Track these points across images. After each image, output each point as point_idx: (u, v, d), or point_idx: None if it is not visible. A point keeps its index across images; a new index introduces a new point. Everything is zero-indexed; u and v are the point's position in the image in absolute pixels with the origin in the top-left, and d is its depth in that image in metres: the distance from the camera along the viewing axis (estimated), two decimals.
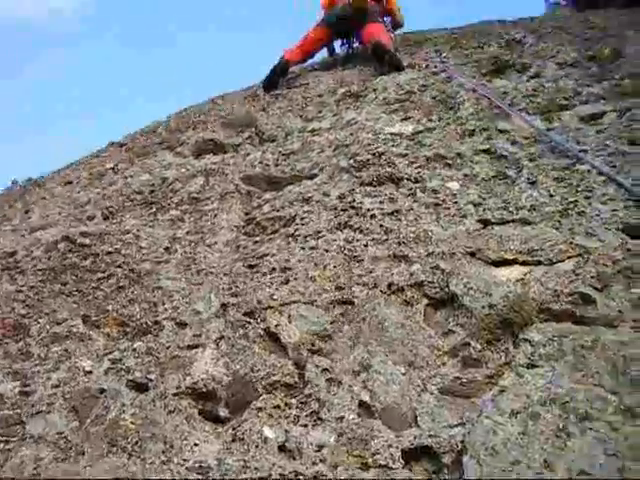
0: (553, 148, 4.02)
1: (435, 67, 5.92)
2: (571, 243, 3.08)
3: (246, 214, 3.99)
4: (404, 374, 2.57)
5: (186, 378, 2.70)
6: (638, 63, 5.06)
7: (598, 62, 5.29)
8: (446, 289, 2.91)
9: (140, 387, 2.76)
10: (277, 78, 6.62)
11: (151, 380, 2.76)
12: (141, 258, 3.71)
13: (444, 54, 6.36)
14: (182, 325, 3.04)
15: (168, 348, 2.92)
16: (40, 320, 3.34)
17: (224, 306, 3.07)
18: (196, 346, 2.87)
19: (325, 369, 2.65)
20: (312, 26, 7.13)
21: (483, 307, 2.77)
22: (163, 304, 3.23)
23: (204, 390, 2.64)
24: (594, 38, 5.86)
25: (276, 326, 2.87)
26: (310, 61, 7.35)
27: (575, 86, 4.85)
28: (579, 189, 3.54)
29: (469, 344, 2.67)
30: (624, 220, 3.23)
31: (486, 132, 4.36)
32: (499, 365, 2.58)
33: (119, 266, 3.67)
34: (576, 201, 3.42)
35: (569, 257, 3.01)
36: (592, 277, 2.85)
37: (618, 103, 4.47)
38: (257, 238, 3.67)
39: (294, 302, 2.98)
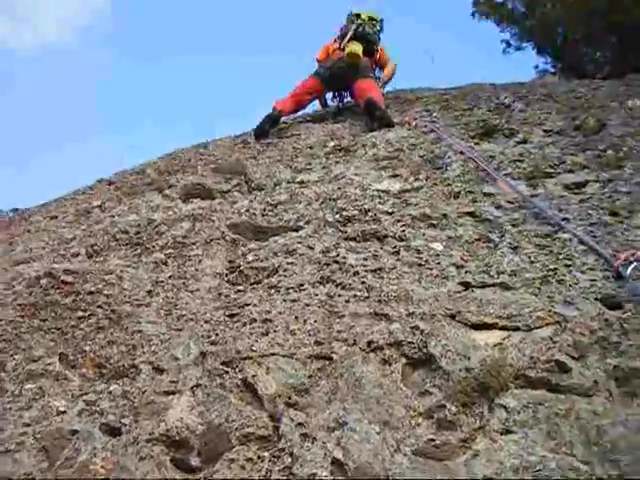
0: (536, 214, 4.09)
1: (425, 127, 6.03)
2: (550, 311, 3.13)
3: (230, 262, 4.01)
4: (378, 433, 2.58)
5: (160, 425, 2.69)
6: (621, 135, 5.19)
7: (583, 132, 5.42)
8: (425, 350, 2.93)
9: (113, 431, 2.75)
10: (268, 127, 6.71)
11: (125, 424, 2.76)
12: (123, 300, 3.72)
13: (434, 114, 6.48)
14: (159, 370, 3.03)
15: (144, 393, 2.91)
16: (16, 356, 3.32)
17: (203, 354, 3.07)
18: (172, 393, 2.87)
19: (300, 423, 2.65)
20: (305, 77, 7.25)
21: (460, 370, 2.80)
22: (142, 348, 3.23)
23: (177, 438, 2.64)
24: (580, 108, 6.00)
25: (253, 377, 2.87)
26: (302, 112, 7.47)
27: (560, 154, 4.96)
28: (560, 257, 3.60)
29: (445, 406, 2.69)
30: (602, 290, 3.29)
31: (472, 195, 4.44)
32: (473, 429, 2.60)
33: (100, 306, 3.67)
34: (556, 269, 3.48)
35: (547, 324, 3.05)
36: (569, 346, 2.89)
37: (601, 173, 4.58)
38: (240, 287, 3.69)
39: (273, 354, 2.98)
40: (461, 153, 5.14)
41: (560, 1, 10.48)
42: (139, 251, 4.34)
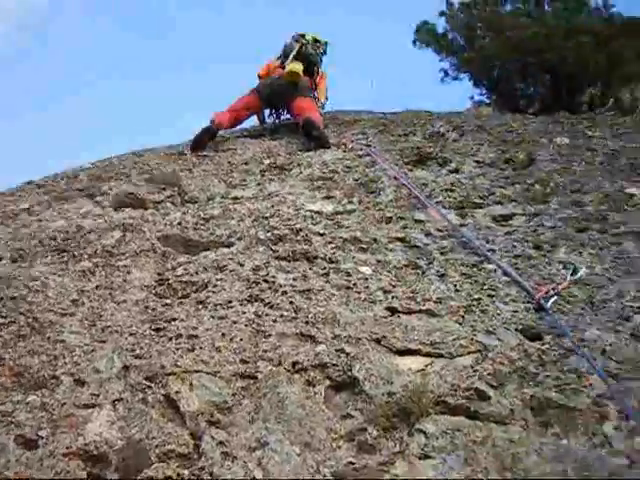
0: (464, 244, 4.19)
1: (360, 150, 6.11)
2: (472, 339, 3.21)
3: (159, 275, 3.97)
4: (299, 454, 2.59)
5: (78, 438, 2.65)
6: (548, 171, 5.36)
7: (513, 165, 5.58)
8: (349, 373, 2.96)
9: (29, 444, 2.68)
10: (205, 140, 6.68)
11: (42, 437, 2.70)
12: (46, 308, 3.63)
13: (370, 138, 6.56)
14: (81, 383, 2.98)
15: (63, 405, 2.85)
16: None
17: (126, 367, 3.03)
18: (93, 406, 2.82)
19: (221, 442, 2.64)
20: (245, 92, 7.26)
21: (383, 394, 2.84)
22: (64, 358, 3.16)
23: (95, 453, 2.59)
24: (511, 142, 6.18)
25: (176, 393, 2.86)
26: (240, 126, 7.46)
27: (490, 186, 5.10)
28: (484, 287, 3.70)
29: (366, 430, 2.72)
30: (523, 322, 3.39)
31: (403, 221, 4.52)
32: (393, 453, 2.64)
33: (22, 313, 3.58)
34: (480, 298, 3.57)
35: (469, 353, 3.12)
36: (489, 374, 2.97)
37: (527, 207, 4.72)
38: (167, 301, 3.65)
39: (197, 371, 2.97)
40: (395, 179, 5.23)
41: (497, 36, 10.77)
42: (66, 258, 4.25)
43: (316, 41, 7.56)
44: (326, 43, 7.70)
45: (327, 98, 7.74)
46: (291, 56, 7.20)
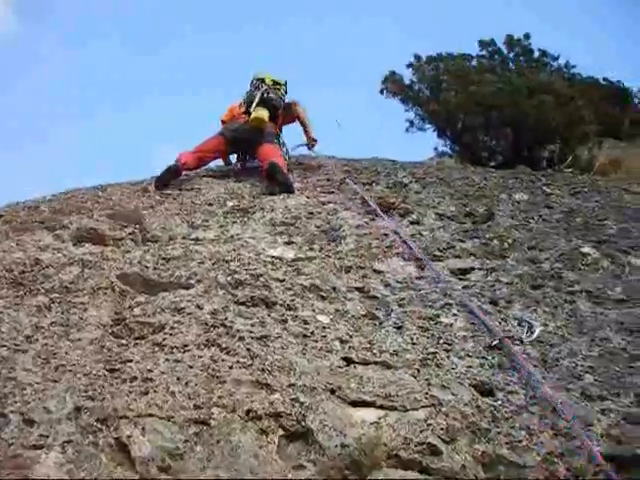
0: (422, 296, 4.24)
1: (324, 196, 6.17)
2: (426, 393, 3.24)
3: (116, 314, 3.93)
4: None
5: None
6: (507, 227, 5.47)
7: (473, 219, 5.68)
8: (303, 423, 2.96)
9: None
10: (170, 178, 6.68)
11: None
12: None
13: (348, 180, 6.62)
14: (30, 422, 2.91)
15: (11, 445, 2.78)
16: None
17: (78, 408, 2.97)
18: (41, 447, 2.76)
19: None
20: (211, 135, 7.31)
21: (336, 446, 2.84)
22: (14, 396, 3.09)
23: None
24: (472, 195, 6.30)
25: (128, 437, 2.81)
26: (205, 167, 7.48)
27: (449, 239, 5.18)
28: (440, 341, 3.74)
29: None
30: (477, 377, 3.44)
31: (362, 270, 4.56)
32: None
33: None
34: (436, 352, 3.61)
35: (423, 406, 3.15)
36: (442, 429, 3.00)
37: (485, 262, 4.80)
38: (123, 341, 3.62)
39: (150, 415, 2.93)
40: (363, 225, 5.30)
41: (462, 90, 11.02)
42: (22, 292, 4.19)
43: (275, 83, 7.66)
44: (286, 83, 7.81)
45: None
46: (254, 104, 7.27)
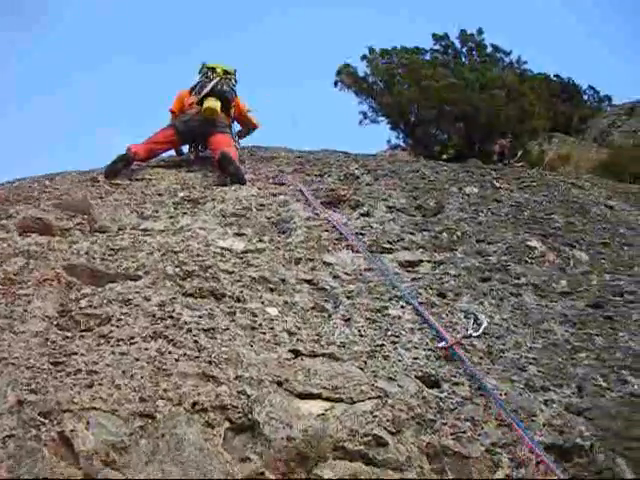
0: (371, 289, 4.26)
1: (275, 187, 6.15)
2: (373, 385, 3.26)
3: (62, 305, 3.87)
4: None
5: None
6: (456, 219, 5.52)
7: (423, 212, 5.73)
8: (249, 415, 2.96)
9: None
10: (119, 168, 6.58)
11: None
12: None
13: (288, 176, 6.61)
14: None
15: None
16: None
17: (20, 402, 2.92)
18: None
19: None
20: (162, 127, 7.23)
21: (282, 438, 2.85)
22: None
23: None
24: (423, 188, 6.34)
25: (71, 431, 2.78)
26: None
27: (399, 231, 5.21)
28: (388, 333, 3.77)
29: (264, 474, 2.73)
30: (423, 369, 3.47)
31: (312, 262, 4.56)
32: None
33: None
34: (383, 345, 3.64)
35: (369, 398, 3.18)
36: (388, 420, 3.03)
37: (434, 255, 4.84)
38: (69, 334, 3.56)
39: (94, 408, 2.90)
40: (314, 217, 5.30)
41: (415, 84, 11.08)
42: None
43: (227, 73, 7.61)
44: (235, 71, 7.77)
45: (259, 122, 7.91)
46: (204, 92, 7.22)
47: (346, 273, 4.46)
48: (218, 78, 7.42)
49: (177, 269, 4.26)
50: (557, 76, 16.46)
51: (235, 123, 7.75)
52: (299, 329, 3.72)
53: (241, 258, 4.54)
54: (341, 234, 5.03)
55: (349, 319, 3.89)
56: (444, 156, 11.31)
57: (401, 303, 4.11)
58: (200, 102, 7.20)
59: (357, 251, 4.77)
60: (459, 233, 5.26)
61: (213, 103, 7.09)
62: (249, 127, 7.94)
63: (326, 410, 3.05)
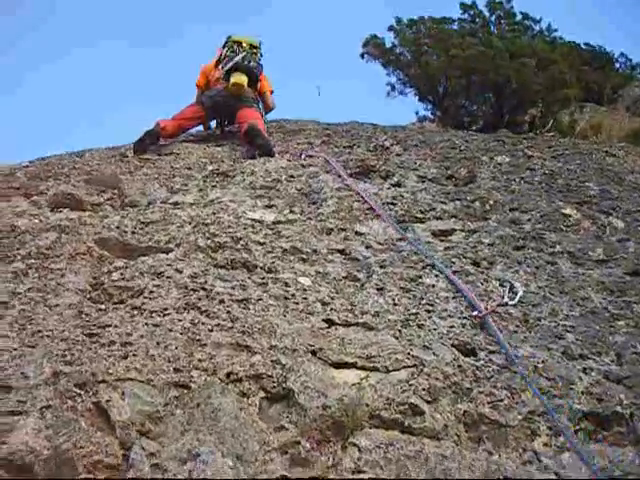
0: (403, 258, 4.21)
1: (304, 159, 6.11)
2: (408, 354, 3.23)
3: (94, 279, 3.88)
4: (232, 468, 2.57)
5: (2, 447, 2.55)
6: (488, 189, 5.44)
7: (454, 181, 5.65)
8: (284, 385, 2.94)
9: None
10: (148, 143, 6.59)
11: None
12: None
13: (316, 148, 6.57)
14: (7, 388, 2.86)
15: None
16: None
17: (56, 374, 2.93)
18: (19, 413, 2.71)
19: (152, 453, 2.60)
20: (189, 103, 7.23)
21: (317, 407, 2.83)
22: None
23: (20, 462, 2.50)
24: (454, 158, 6.25)
25: (107, 402, 2.78)
26: None
27: (431, 201, 5.15)
28: (422, 302, 3.73)
29: (299, 442, 2.72)
30: (459, 337, 3.43)
31: (344, 232, 4.52)
32: (326, 467, 2.64)
33: None
34: (418, 313, 3.60)
35: (404, 367, 3.14)
36: (423, 389, 3.00)
37: (467, 223, 4.78)
38: (102, 306, 3.57)
39: (130, 379, 2.90)
40: (344, 188, 5.25)
41: (444, 54, 10.94)
42: None
43: (252, 47, 7.56)
44: (261, 44, 7.72)
45: (273, 91, 7.80)
46: (229, 66, 7.17)
47: (378, 242, 4.42)
48: (244, 53, 7.37)
49: (208, 241, 4.25)
50: (587, 44, 16.13)
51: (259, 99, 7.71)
52: (332, 299, 3.69)
53: (272, 229, 4.51)
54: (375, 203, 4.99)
55: (382, 288, 3.85)
56: (473, 127, 11.18)
57: (435, 272, 4.06)
58: (226, 77, 7.17)
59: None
60: (492, 202, 5.18)
61: (240, 78, 7.06)
62: (265, 107, 7.89)
63: (361, 379, 3.03)
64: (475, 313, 3.60)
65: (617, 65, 17.66)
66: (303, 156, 6.24)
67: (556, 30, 12.88)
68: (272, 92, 7.80)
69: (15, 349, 3.14)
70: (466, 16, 12.91)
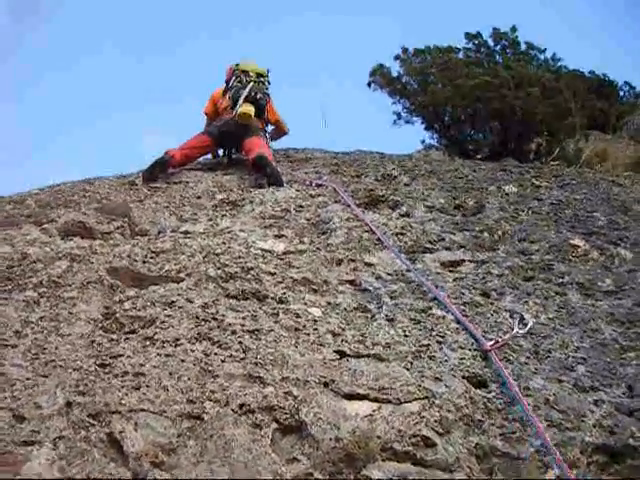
0: (413, 289, 4.23)
1: (313, 189, 6.15)
2: (420, 385, 3.23)
3: (106, 308, 3.90)
4: None
5: (16, 477, 2.56)
6: (497, 219, 5.47)
7: (462, 211, 5.68)
8: (296, 416, 2.95)
9: None
10: (157, 172, 6.66)
11: None
12: None
13: (325, 178, 6.61)
14: (20, 418, 2.88)
15: (0, 442, 2.76)
16: None
17: (69, 404, 2.95)
18: (32, 443, 2.73)
19: None
20: (197, 132, 7.33)
21: (330, 439, 2.83)
22: (3, 392, 3.05)
23: None
24: (461, 188, 6.29)
25: (120, 433, 2.79)
26: None
27: (440, 231, 5.17)
28: (433, 333, 3.73)
29: (312, 475, 2.71)
30: (470, 369, 3.43)
31: (353, 263, 4.54)
32: None
33: None
34: (429, 345, 3.60)
35: (416, 399, 3.14)
36: (435, 421, 3.00)
37: (476, 254, 4.79)
38: (114, 336, 3.59)
39: (142, 410, 2.91)
40: (354, 218, 5.28)
41: (450, 83, 11.02)
42: (10, 287, 4.14)
43: (260, 75, 7.67)
44: (268, 72, 7.83)
45: (285, 132, 7.94)
46: (241, 100, 7.26)
47: (388, 273, 4.44)
48: (252, 83, 7.46)
49: (219, 271, 4.27)
50: (592, 72, 16.23)
51: (268, 125, 7.80)
52: (343, 330, 3.71)
53: (282, 259, 4.54)
54: (384, 234, 5.01)
55: (393, 319, 3.86)
56: (479, 155, 11.24)
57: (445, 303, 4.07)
58: (234, 106, 7.26)
59: (399, 252, 4.74)
60: (500, 232, 5.21)
61: (247, 108, 7.16)
62: (279, 133, 7.99)
63: (373, 411, 3.03)
64: (490, 346, 3.60)
65: (621, 93, 17.78)
66: (312, 185, 6.29)
67: (560, 59, 12.97)
68: (285, 132, 8.01)
69: (28, 378, 3.16)
70: (471, 45, 13.03)
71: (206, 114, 7.76)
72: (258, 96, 7.39)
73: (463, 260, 4.74)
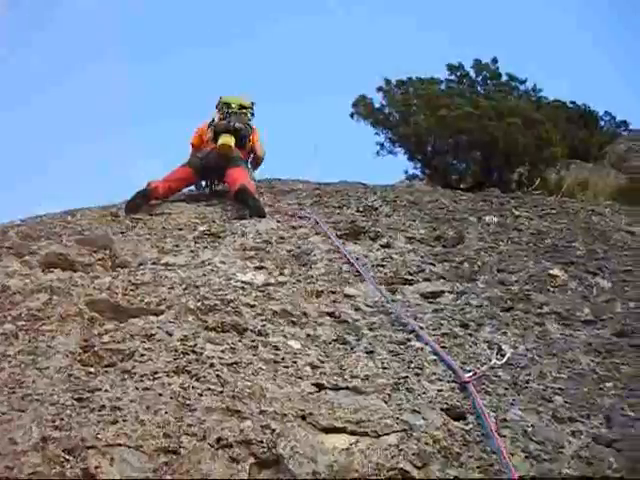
0: (393, 321, 4.25)
1: (295, 221, 6.18)
2: (397, 418, 3.23)
3: (85, 341, 3.88)
4: None
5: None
6: (477, 249, 5.51)
7: (442, 242, 5.73)
8: (274, 450, 2.93)
9: None
10: (139, 203, 6.68)
11: None
12: None
13: (307, 209, 6.64)
14: None
15: None
16: None
17: (44, 439, 2.91)
18: None
19: None
20: (180, 164, 7.37)
21: (307, 473, 2.82)
22: None
23: None
24: (442, 219, 6.34)
25: (96, 468, 2.76)
26: None
27: (420, 262, 5.20)
28: (411, 365, 3.74)
29: None
30: (448, 401, 3.44)
31: (333, 295, 4.56)
32: None
33: None
34: (407, 377, 3.61)
35: (394, 432, 3.14)
36: (413, 454, 2.99)
37: (455, 285, 4.82)
38: (92, 369, 3.57)
39: (119, 445, 2.89)
40: (334, 251, 5.30)
41: (432, 113, 11.11)
42: None
43: (242, 107, 7.75)
44: (253, 104, 7.91)
45: (264, 153, 7.98)
46: (218, 129, 7.36)
47: (367, 305, 4.46)
48: (233, 118, 7.54)
49: (199, 303, 4.27)
50: (573, 102, 16.41)
51: (251, 155, 7.86)
52: (322, 362, 3.71)
53: (262, 291, 4.55)
54: (364, 265, 5.04)
55: (372, 351, 3.87)
56: (462, 185, 11.31)
57: (424, 333, 4.08)
58: (215, 138, 7.33)
59: (379, 283, 4.76)
60: (480, 263, 5.25)
61: (227, 139, 7.24)
62: (257, 163, 8.04)
63: (351, 444, 3.02)
64: (465, 376, 3.61)
65: (602, 123, 17.97)
66: (294, 217, 6.32)
67: (541, 90, 13.10)
68: (262, 159, 8.02)
69: (4, 413, 3.13)
70: (453, 77, 13.15)
71: (192, 145, 7.85)
72: (237, 126, 7.45)
73: (442, 291, 4.77)
